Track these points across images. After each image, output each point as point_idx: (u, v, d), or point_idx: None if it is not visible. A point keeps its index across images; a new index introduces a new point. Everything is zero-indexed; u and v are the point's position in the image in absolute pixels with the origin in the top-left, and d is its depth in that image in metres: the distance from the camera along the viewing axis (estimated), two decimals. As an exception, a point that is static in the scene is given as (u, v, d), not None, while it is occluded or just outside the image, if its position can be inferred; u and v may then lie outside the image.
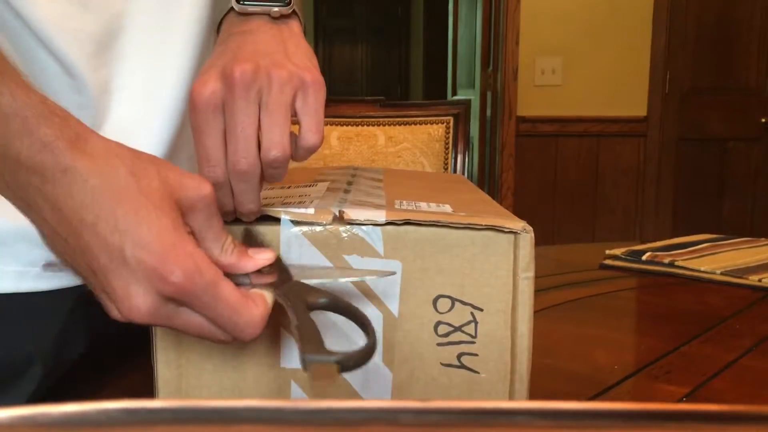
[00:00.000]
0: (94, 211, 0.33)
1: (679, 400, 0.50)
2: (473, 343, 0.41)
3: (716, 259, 0.94)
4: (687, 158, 2.93)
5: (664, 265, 0.93)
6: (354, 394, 0.42)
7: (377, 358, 0.42)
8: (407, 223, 0.40)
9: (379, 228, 0.40)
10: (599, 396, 0.51)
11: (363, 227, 0.40)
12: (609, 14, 2.84)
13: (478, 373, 0.42)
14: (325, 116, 0.40)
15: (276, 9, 0.45)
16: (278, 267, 0.39)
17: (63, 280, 0.52)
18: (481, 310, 0.41)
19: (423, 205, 0.45)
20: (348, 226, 0.41)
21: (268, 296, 0.37)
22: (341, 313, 0.37)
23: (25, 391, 0.51)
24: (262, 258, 0.38)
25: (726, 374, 0.55)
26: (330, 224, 0.41)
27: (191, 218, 0.36)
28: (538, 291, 0.84)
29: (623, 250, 0.99)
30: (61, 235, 0.34)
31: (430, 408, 0.17)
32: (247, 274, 0.38)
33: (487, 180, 3.05)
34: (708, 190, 2.95)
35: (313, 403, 0.17)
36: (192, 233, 0.36)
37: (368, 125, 1.34)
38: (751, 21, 2.83)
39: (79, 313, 0.53)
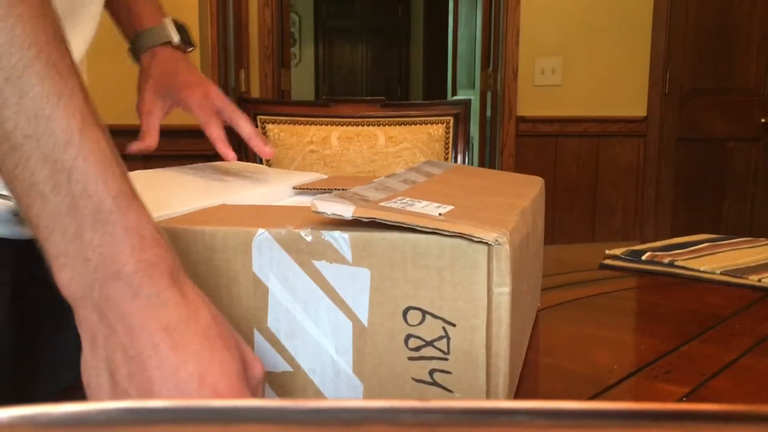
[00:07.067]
0: (174, 337, 0.33)
1: (679, 400, 0.50)
2: (446, 359, 0.39)
3: (716, 259, 0.94)
4: (687, 158, 2.93)
5: (663, 265, 0.93)
6: None
7: (348, 367, 0.40)
8: (373, 222, 0.38)
9: (346, 234, 0.39)
10: (599, 396, 0.51)
11: (331, 233, 0.39)
12: (609, 14, 2.84)
13: (452, 392, 0.39)
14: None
15: None
16: None
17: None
18: (454, 325, 0.38)
19: (418, 205, 0.41)
20: (315, 231, 0.39)
21: None
22: None
23: None
24: None
25: (726, 374, 0.55)
26: (298, 228, 0.40)
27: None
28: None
29: (623, 250, 0.99)
30: (122, 350, 0.33)
31: (430, 408, 0.17)
32: None
33: (487, 180, 3.05)
34: (708, 190, 2.95)
35: (314, 403, 0.17)
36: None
37: (368, 125, 1.34)
38: (751, 21, 2.83)
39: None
